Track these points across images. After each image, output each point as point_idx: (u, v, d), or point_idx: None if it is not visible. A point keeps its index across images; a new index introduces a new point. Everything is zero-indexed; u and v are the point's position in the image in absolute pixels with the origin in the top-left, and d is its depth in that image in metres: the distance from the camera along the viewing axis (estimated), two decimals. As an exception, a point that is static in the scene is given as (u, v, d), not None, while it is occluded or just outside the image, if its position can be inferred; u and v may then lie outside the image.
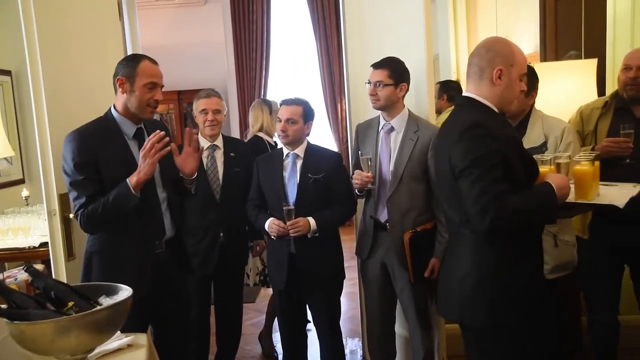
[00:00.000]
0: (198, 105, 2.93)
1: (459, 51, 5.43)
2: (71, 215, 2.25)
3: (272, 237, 2.66)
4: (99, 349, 1.56)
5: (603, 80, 3.29)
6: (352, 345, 3.69)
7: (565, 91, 3.18)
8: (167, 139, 2.06)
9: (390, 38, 2.86)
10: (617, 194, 1.95)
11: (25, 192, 3.92)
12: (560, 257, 2.46)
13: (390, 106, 2.52)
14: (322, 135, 6.86)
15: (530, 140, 2.43)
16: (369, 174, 2.48)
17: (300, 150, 2.68)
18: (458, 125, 1.77)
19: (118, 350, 1.65)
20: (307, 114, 2.67)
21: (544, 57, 3.99)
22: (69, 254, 2.34)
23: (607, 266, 2.63)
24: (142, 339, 1.74)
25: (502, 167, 1.68)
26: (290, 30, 7.18)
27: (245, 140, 3.72)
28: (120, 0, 2.95)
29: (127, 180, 2.04)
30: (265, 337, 3.70)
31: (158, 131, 2.06)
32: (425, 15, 2.64)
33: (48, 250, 2.36)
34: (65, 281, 2.13)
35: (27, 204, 3.84)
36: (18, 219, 3.33)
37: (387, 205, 2.52)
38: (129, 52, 2.95)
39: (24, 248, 3.13)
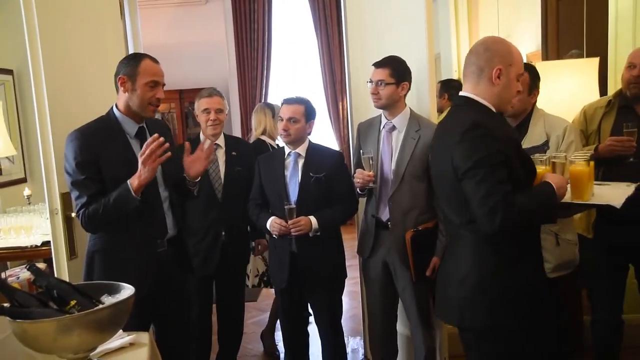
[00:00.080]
0: (200, 105, 2.92)
1: (460, 50, 5.42)
2: (73, 214, 2.26)
3: (274, 236, 2.66)
4: (101, 348, 1.56)
5: (605, 79, 3.28)
6: (354, 344, 3.70)
7: (567, 90, 3.18)
8: (167, 145, 2.03)
9: (391, 37, 2.85)
10: (612, 194, 1.96)
11: (27, 191, 3.93)
12: (562, 255, 2.46)
13: (391, 105, 2.51)
14: (323, 134, 6.85)
15: (532, 139, 2.42)
16: (371, 172, 2.48)
17: (301, 149, 2.68)
18: (457, 125, 1.76)
19: (120, 348, 1.65)
20: (309, 113, 2.67)
21: (546, 56, 3.99)
22: (71, 252, 2.34)
23: (608, 266, 2.63)
24: (144, 337, 1.74)
25: (504, 167, 1.68)
26: (292, 29, 7.16)
27: (249, 143, 3.72)
28: (122, -1, 2.96)
29: (128, 182, 2.02)
30: (267, 335, 3.70)
31: (157, 135, 2.03)
32: (427, 14, 2.64)
33: (50, 249, 2.37)
34: (67, 280, 2.13)
35: (29, 203, 3.85)
36: (20, 218, 3.34)
37: (388, 204, 2.52)
38: (131, 51, 2.96)
39: (26, 247, 3.14)
